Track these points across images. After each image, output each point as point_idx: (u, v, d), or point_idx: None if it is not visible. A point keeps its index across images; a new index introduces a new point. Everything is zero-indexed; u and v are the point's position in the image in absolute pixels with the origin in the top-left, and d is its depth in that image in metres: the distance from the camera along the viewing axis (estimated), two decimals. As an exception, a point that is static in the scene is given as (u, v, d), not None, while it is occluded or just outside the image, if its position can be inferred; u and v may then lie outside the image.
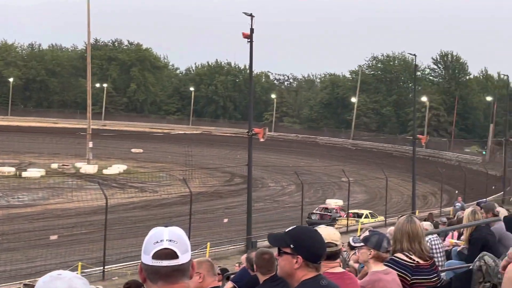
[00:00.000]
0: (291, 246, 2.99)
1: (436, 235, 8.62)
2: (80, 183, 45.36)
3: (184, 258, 2.22)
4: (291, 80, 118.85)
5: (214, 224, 32.77)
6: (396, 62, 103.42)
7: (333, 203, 43.97)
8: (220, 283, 7.46)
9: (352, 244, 8.71)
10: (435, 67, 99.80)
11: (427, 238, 7.47)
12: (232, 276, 9.84)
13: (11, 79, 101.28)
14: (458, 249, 8.22)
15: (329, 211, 36.96)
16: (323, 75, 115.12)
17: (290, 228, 3.10)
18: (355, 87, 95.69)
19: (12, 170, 49.68)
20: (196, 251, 23.04)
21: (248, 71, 37.40)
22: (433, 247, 8.08)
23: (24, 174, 48.45)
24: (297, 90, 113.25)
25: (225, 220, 32.00)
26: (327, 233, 3.86)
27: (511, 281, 4.33)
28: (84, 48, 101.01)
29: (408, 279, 4.65)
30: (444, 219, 16.51)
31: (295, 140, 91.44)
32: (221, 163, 60.34)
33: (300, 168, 53.01)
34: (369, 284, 4.41)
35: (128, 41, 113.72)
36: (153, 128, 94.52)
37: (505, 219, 6.25)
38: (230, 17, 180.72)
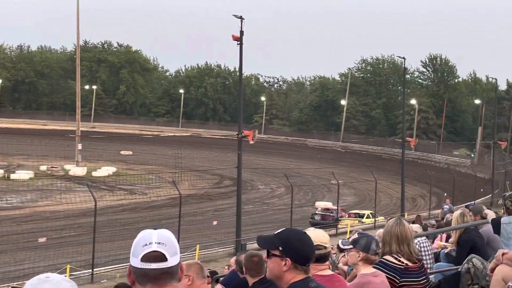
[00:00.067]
0: (280, 248, 2.99)
1: (425, 237, 8.66)
2: (69, 185, 45.14)
3: (173, 260, 2.22)
4: (280, 83, 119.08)
5: (203, 226, 32.72)
6: (385, 65, 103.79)
7: (323, 205, 44.09)
8: (209, 286, 7.45)
9: (341, 246, 8.73)
10: (424, 70, 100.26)
11: (416, 241, 7.50)
12: (221, 278, 9.83)
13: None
14: (446, 251, 8.26)
15: (331, 211, 37.20)
16: (313, 77, 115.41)
17: (279, 231, 3.10)
18: (344, 89, 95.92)
19: (0, 172, 49.39)
20: (185, 253, 22.99)
21: (238, 73, 37.43)
22: (422, 249, 8.12)
23: (12, 176, 48.17)
24: (287, 93, 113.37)
25: (215, 223, 31.93)
26: (316, 235, 3.87)
27: (499, 283, 4.35)
28: (73, 50, 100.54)
29: (397, 281, 4.66)
30: (433, 222, 16.57)
31: (284, 142, 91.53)
32: (211, 165, 60.30)
33: (290, 170, 53.10)
34: (358, 287, 4.42)
35: (118, 43, 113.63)
36: (142, 130, 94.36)
37: (493, 222, 6.29)
38: (220, 19, 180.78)
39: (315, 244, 3.38)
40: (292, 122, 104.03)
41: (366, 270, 4.52)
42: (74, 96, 67.39)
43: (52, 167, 54.41)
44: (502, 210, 6.26)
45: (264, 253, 3.32)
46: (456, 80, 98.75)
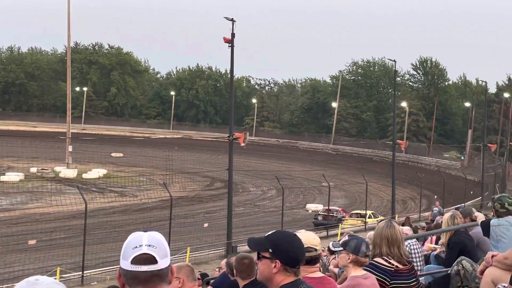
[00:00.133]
0: (270, 250, 2.99)
1: (415, 240, 8.69)
2: (59, 188, 44.94)
3: (163, 263, 2.21)
4: (272, 85, 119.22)
5: (194, 228, 32.65)
6: (376, 67, 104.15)
7: (313, 207, 44.18)
8: (200, 288, 7.44)
9: (332, 248, 8.74)
10: (415, 73, 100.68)
11: (406, 243, 7.53)
12: (212, 281, 9.82)
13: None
14: (435, 253, 8.29)
15: (332, 212, 37.87)
16: (304, 80, 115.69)
17: (269, 233, 3.11)
18: (335, 92, 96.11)
19: (-10, 174, 49.18)
20: (176, 255, 22.94)
21: (229, 75, 37.44)
22: (412, 251, 8.14)
23: (2, 178, 47.94)
24: (278, 95, 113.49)
25: (206, 225, 31.90)
26: (307, 237, 3.87)
27: (488, 285, 4.37)
28: (64, 51, 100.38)
29: (387, 283, 4.67)
30: (423, 224, 16.65)
31: (275, 144, 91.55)
32: (202, 167, 60.21)
33: (281, 172, 53.09)
34: (349, 289, 4.43)
35: (109, 44, 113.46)
36: (133, 132, 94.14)
37: (482, 224, 6.32)
38: (211, 21, 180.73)
39: (305, 246, 3.38)
40: (283, 125, 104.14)
41: (357, 272, 4.53)
42: (65, 98, 67.25)
43: (42, 169, 54.19)
44: (492, 213, 6.29)
45: (255, 255, 3.32)
46: (446, 83, 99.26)
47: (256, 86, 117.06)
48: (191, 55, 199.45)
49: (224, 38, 27.53)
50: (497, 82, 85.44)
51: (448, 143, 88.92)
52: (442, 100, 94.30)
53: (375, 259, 4.77)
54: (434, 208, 30.12)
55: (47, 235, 29.96)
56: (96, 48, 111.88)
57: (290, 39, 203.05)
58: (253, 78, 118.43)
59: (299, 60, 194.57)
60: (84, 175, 52.73)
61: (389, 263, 4.73)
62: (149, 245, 2.20)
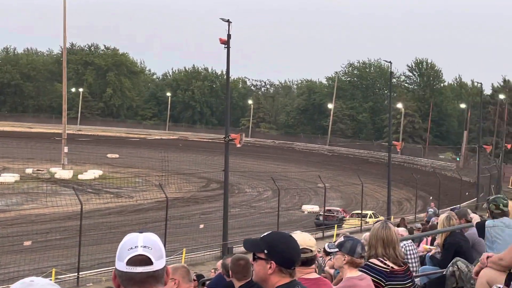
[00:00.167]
0: (265, 251, 3.00)
1: (410, 241, 8.70)
2: (55, 189, 44.88)
3: (158, 264, 2.21)
4: (268, 86, 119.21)
5: (190, 229, 32.63)
6: (372, 69, 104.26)
7: (309, 208, 44.23)
8: (195, 289, 7.43)
9: (327, 250, 8.73)
10: (410, 74, 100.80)
11: (402, 244, 7.53)
12: (207, 282, 9.82)
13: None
14: (430, 254, 8.30)
15: (332, 212, 38.68)
16: (300, 81, 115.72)
17: (265, 234, 3.11)
18: (331, 93, 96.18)
19: (-15, 175, 49.05)
20: (171, 257, 22.92)
21: (225, 76, 37.40)
22: (408, 252, 8.14)
23: (-3, 179, 47.83)
24: (274, 96, 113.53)
25: (201, 226, 31.89)
26: (302, 239, 3.88)
27: (483, 286, 4.38)
28: (60, 52, 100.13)
29: (383, 284, 4.68)
30: (419, 225, 16.65)
31: (271, 146, 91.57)
32: (198, 168, 60.17)
33: (277, 173, 53.12)
34: (344, 290, 4.43)
35: (105, 45, 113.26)
36: (129, 133, 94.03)
37: (477, 225, 6.34)
38: (207, 22, 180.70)
39: (301, 247, 3.38)
40: (279, 126, 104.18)
41: (352, 273, 4.53)
42: (61, 99, 67.08)
43: (38, 170, 54.08)
44: (487, 214, 6.30)
45: (250, 256, 3.32)
46: (441, 85, 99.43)
47: (252, 87, 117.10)
48: (187, 56, 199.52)
49: (220, 39, 27.56)
50: (492, 84, 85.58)
51: (443, 145, 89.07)
52: (437, 101, 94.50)
53: (370, 260, 4.77)
54: (429, 209, 30.21)
55: (43, 236, 29.91)
56: (92, 49, 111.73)
57: (286, 40, 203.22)
58: (249, 79, 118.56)
59: (295, 61, 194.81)
60: (80, 176, 52.65)
61: (385, 264, 4.73)
62: (145, 246, 2.20)
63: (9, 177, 48.64)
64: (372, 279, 4.58)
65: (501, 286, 4.16)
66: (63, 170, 53.95)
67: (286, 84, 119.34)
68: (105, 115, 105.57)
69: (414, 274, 6.16)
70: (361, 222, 35.37)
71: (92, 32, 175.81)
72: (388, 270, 4.71)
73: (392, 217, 36.98)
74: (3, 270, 23.22)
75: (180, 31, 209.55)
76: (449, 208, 28.29)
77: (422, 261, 8.59)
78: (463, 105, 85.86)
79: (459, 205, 32.99)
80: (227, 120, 30.45)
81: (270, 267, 2.99)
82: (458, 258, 6.48)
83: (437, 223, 9.88)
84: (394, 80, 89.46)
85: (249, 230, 33.15)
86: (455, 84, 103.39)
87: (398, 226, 14.15)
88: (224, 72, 46.79)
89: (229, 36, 27.40)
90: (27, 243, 25.09)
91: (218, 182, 48.84)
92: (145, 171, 58.04)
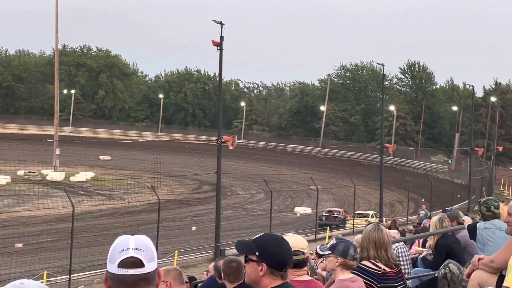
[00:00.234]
0: (257, 253, 2.99)
1: (402, 243, 8.71)
2: (47, 191, 44.70)
3: (150, 266, 2.21)
4: (260, 88, 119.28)
5: (182, 232, 32.57)
6: (364, 71, 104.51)
7: (302, 211, 44.25)
8: (187, 292, 7.42)
9: (320, 252, 8.74)
10: (403, 76, 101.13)
11: (394, 246, 7.55)
12: (200, 284, 9.81)
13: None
14: (422, 255, 8.32)
15: (333, 213, 39.67)
16: (293, 83, 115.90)
17: (257, 236, 3.11)
18: (324, 95, 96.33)
19: (-24, 177, 48.77)
20: (164, 259, 22.87)
21: (217, 78, 37.42)
22: (400, 255, 8.16)
23: (-12, 181, 47.57)
24: (267, 98, 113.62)
25: (194, 228, 31.85)
26: (294, 241, 3.88)
27: (475, 289, 4.39)
28: (52, 54, 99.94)
29: (375, 286, 4.68)
30: (411, 227, 16.70)
31: (264, 148, 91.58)
32: (190, 170, 60.09)
33: (269, 176, 53.11)
34: (336, 292, 4.43)
35: (97, 47, 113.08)
36: (121, 135, 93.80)
37: (469, 228, 6.36)
38: (200, 24, 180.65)
39: (293, 249, 3.38)
40: (271, 128, 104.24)
41: (344, 275, 4.54)
42: (52, 101, 66.86)
43: (29, 172, 53.85)
44: (479, 216, 6.33)
45: (242, 259, 3.32)
46: (434, 87, 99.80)
47: (245, 89, 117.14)
48: (179, 58, 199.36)
49: (213, 41, 27.54)
50: (484, 86, 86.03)
51: (435, 147, 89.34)
52: (429, 104, 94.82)
53: (362, 262, 4.78)
54: (421, 212, 30.28)
55: (34, 238, 29.76)
56: (84, 51, 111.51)
57: (278, 43, 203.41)
58: (241, 81, 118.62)
59: (288, 63, 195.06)
60: (72, 178, 52.47)
61: (377, 266, 4.74)
62: (136, 249, 2.20)
63: (1, 179, 48.36)
64: (364, 281, 4.59)
65: (492, 288, 4.18)
66: (54, 172, 53.74)
67: (279, 86, 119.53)
68: (97, 117, 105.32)
69: (406, 276, 6.17)
70: (366, 222, 35.69)
71: (85, 33, 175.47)
72: (380, 272, 4.72)
73: (384, 219, 37.06)
74: (-6, 273, 23.11)
75: (172, 32, 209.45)
76: (440, 210, 28.41)
77: (414, 263, 8.60)
78: (455, 108, 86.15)
79: (450, 207, 33.13)
80: (219, 122, 30.44)
81: (261, 269, 2.98)
82: (449, 260, 6.50)
83: (429, 225, 9.91)
84: (386, 82, 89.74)
85: (242, 232, 33.12)
86: (447, 87, 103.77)
87: (389, 228, 14.16)
88: (217, 74, 46.85)
89: (221, 38, 27.39)
90: (19, 245, 24.98)
91: (211, 184, 48.77)
92: (137, 173, 57.92)
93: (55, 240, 29.39)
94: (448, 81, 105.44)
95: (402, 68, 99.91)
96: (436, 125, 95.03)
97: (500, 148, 62.02)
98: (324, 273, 8.03)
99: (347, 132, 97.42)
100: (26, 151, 62.86)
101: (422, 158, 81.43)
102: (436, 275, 6.54)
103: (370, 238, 4.82)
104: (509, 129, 75.89)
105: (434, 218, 8.06)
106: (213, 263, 7.98)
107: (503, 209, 6.01)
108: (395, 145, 52.99)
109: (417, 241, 10.81)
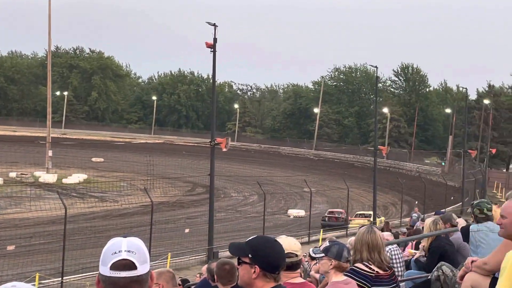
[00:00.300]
0: (250, 255, 2.99)
1: (396, 245, 8.72)
2: (39, 193, 44.54)
3: (142, 269, 2.19)
4: (254, 90, 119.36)
5: (175, 234, 32.52)
6: (358, 73, 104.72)
7: (295, 213, 44.26)
8: (180, 294, 7.39)
9: (312, 255, 8.73)
10: (396, 79, 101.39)
11: (387, 249, 7.55)
12: (192, 286, 9.79)
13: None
14: (415, 258, 8.33)
15: (335, 214, 40.40)
16: (286, 85, 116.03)
17: (250, 238, 3.10)
18: (317, 98, 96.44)
19: (-32, 179, 48.57)
20: (157, 261, 22.82)
21: (211, 80, 37.43)
22: (393, 257, 8.16)
23: (-19, 183, 47.40)
24: (260, 100, 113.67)
25: (187, 230, 31.78)
26: (288, 243, 3.86)
27: (468, 291, 4.39)
28: (45, 55, 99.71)
29: (368, 289, 4.68)
30: (404, 230, 16.73)
31: (257, 150, 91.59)
32: (183, 172, 60.03)
33: (263, 178, 53.11)
34: (329, 294, 4.42)
35: (90, 49, 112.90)
36: (114, 137, 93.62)
37: (462, 230, 6.36)
38: (193, 26, 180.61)
39: (286, 252, 3.37)
40: (265, 130, 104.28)
41: (338, 278, 4.53)
42: (45, 102, 66.74)
43: (21, 173, 53.66)
44: (472, 218, 6.33)
45: (235, 261, 3.31)
46: (427, 89, 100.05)
47: (238, 92, 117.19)
48: (173, 60, 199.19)
49: (206, 43, 27.53)
50: (477, 89, 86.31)
51: (429, 149, 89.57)
52: (423, 106, 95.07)
53: (355, 264, 4.77)
54: (413, 214, 30.28)
55: (26, 240, 29.67)
56: (77, 52, 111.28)
57: (272, 45, 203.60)
58: (235, 83, 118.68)
59: (282, 65, 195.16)
60: (64, 180, 52.32)
61: (370, 268, 4.73)
62: (129, 251, 2.18)
63: (-7, 181, 48.24)
64: (358, 284, 4.58)
65: (486, 290, 4.17)
66: (47, 174, 53.59)
67: (272, 88, 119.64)
68: (90, 118, 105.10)
69: (399, 278, 6.17)
70: (370, 222, 35.76)
71: (77, 35, 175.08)
72: (373, 275, 4.71)
73: (378, 221, 37.11)
74: (-14, 275, 23.00)
75: (166, 34, 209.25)
76: (433, 213, 28.44)
77: (407, 265, 8.61)
78: (448, 110, 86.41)
79: (444, 210, 33.17)
80: (213, 124, 30.43)
81: (254, 272, 2.97)
82: (443, 262, 6.50)
83: (422, 227, 9.92)
84: (380, 85, 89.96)
85: (235, 235, 33.10)
86: (441, 89, 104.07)
87: (382, 230, 14.18)
88: (210, 76, 46.82)
89: (215, 40, 27.37)
90: (11, 248, 24.86)
91: (204, 187, 48.73)
92: (130, 175, 57.80)
93: (48, 242, 29.29)
94: (441, 84, 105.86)
95: (396, 71, 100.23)
96: (429, 128, 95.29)
97: (493, 151, 62.20)
98: (317, 276, 8.02)
99: (341, 134, 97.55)
100: (19, 153, 62.69)
101: (416, 161, 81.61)
102: (429, 277, 6.55)
103: (363, 240, 4.82)
104: (502, 131, 76.13)
105: (428, 221, 8.06)
106: (206, 266, 7.96)
107: (496, 211, 6.01)
108: (388, 148, 53.09)
109: (410, 243, 10.82)
